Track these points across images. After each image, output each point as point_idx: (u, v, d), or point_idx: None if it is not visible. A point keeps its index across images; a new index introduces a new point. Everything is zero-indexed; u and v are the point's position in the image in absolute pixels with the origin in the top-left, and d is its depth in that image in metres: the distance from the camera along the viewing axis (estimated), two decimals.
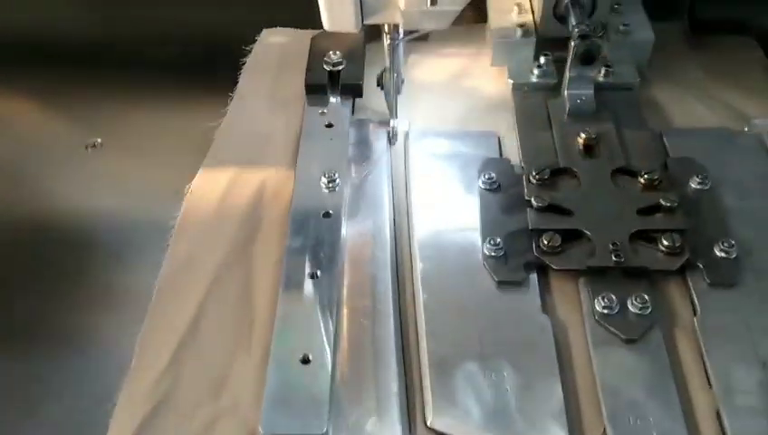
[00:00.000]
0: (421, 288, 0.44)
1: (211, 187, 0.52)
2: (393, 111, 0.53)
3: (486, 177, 0.49)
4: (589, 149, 0.51)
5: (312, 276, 0.44)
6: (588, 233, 0.45)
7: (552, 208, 0.47)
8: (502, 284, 0.44)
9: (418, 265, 0.46)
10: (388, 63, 0.51)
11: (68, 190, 0.56)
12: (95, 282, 0.51)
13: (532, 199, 0.47)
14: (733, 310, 0.42)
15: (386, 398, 0.40)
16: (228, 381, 0.42)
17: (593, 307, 0.43)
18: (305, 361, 0.40)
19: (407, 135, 0.54)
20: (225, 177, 0.52)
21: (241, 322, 0.44)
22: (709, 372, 0.40)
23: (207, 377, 0.42)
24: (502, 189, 0.49)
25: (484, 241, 0.46)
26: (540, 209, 0.47)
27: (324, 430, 0.38)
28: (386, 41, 0.50)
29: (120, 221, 0.54)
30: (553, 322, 0.42)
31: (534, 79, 0.56)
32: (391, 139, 0.54)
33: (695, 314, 0.43)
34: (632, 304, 0.42)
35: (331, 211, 0.48)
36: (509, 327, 0.42)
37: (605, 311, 0.42)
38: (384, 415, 0.39)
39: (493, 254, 0.45)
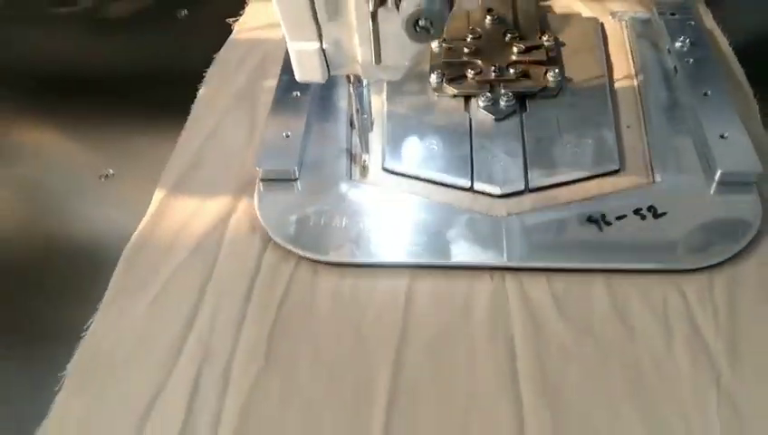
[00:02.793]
0: (386, 101, 0.67)
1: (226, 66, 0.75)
2: (365, 147, 0.62)
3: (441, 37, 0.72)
4: (491, 19, 0.73)
5: (295, 96, 0.67)
6: (479, 62, 0.68)
7: (458, 51, 0.70)
8: (440, 95, 0.68)
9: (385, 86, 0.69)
10: (354, 107, 0.58)
11: (82, 212, 0.63)
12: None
13: (445, 44, 0.71)
14: (550, 109, 0.66)
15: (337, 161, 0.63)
16: (236, 157, 0.65)
17: (478, 102, 0.66)
18: (287, 136, 0.63)
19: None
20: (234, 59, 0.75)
21: (246, 127, 0.67)
22: (525, 129, 0.64)
23: (224, 156, 0.65)
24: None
25: (431, 72, 0.68)
26: (449, 50, 0.70)
27: (294, 167, 0.60)
28: (350, 88, 0.56)
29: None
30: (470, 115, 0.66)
31: None
32: (362, 171, 0.63)
33: (526, 110, 0.66)
34: (502, 98, 0.65)
35: None
36: (443, 118, 0.66)
37: (484, 103, 0.65)
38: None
39: (436, 79, 0.68)
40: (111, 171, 0.65)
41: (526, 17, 0.75)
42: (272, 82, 0.70)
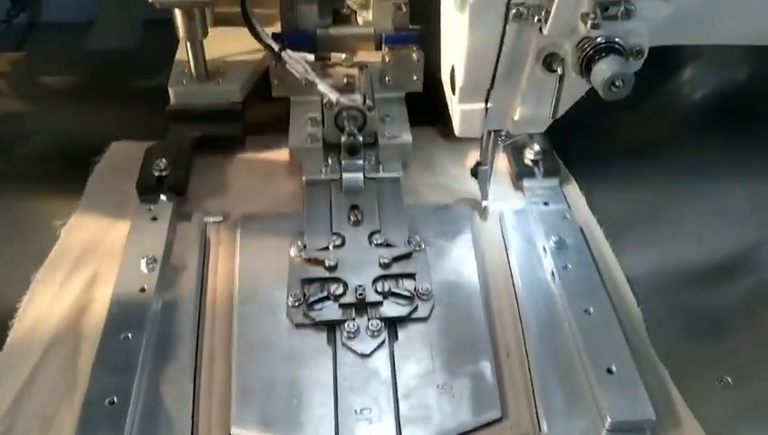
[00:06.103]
0: (236, 327, 0.59)
1: (53, 275, 0.64)
2: (486, 195, 0.68)
3: (299, 244, 0.64)
4: (355, 218, 0.67)
5: (125, 339, 0.57)
6: (342, 278, 0.61)
7: (319, 262, 0.62)
8: (298, 324, 0.59)
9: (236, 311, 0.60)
10: (488, 159, 0.63)
11: None
12: None
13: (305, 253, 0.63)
14: (422, 337, 0.59)
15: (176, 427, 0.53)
16: (53, 421, 0.53)
17: (342, 333, 0.58)
18: (111, 403, 0.52)
19: (238, 220, 0.68)
20: (65, 266, 0.65)
21: (67, 381, 0.56)
22: (396, 369, 0.56)
23: (38, 417, 0.53)
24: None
25: (288, 294, 0.60)
26: (308, 261, 0.63)
27: None
28: (490, 141, 0.61)
29: None
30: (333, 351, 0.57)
31: (323, 176, 0.71)
32: (481, 215, 0.69)
33: (397, 338, 0.59)
34: (369, 326, 0.58)
35: (145, 287, 0.61)
36: (302, 358, 0.57)
37: (348, 336, 0.58)
38: None
39: (293, 302, 0.60)
40: None
41: (393, 214, 0.68)
42: (100, 312, 0.59)
